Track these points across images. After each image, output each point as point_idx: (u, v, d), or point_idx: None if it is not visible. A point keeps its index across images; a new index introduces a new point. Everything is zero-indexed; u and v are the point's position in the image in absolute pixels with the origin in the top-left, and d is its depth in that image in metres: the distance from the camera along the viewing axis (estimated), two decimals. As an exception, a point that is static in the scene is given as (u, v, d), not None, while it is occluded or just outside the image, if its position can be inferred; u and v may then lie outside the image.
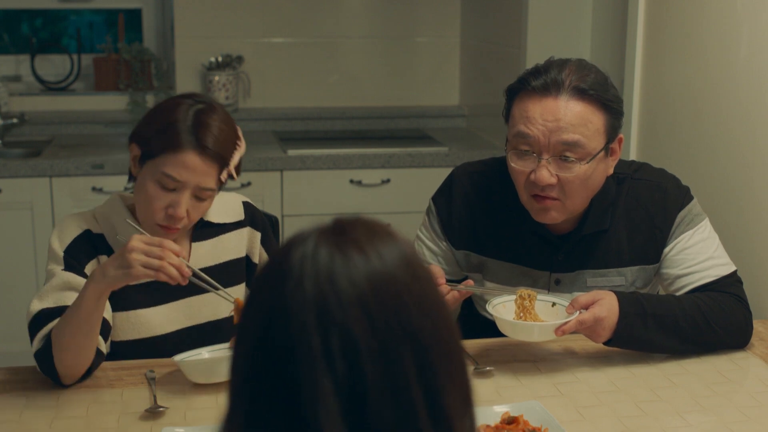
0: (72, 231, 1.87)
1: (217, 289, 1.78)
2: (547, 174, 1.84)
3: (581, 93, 1.82)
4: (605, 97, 1.84)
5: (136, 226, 1.77)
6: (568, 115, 1.81)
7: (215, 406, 1.72)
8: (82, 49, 4.32)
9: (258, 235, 2.04)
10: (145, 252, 1.62)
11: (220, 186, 1.85)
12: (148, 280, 1.68)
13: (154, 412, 1.67)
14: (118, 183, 3.57)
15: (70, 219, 1.91)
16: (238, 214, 2.03)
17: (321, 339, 0.78)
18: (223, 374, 1.77)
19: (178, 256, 1.64)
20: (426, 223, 2.10)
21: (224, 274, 1.97)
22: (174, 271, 1.63)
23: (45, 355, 1.73)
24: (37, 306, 1.78)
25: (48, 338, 1.73)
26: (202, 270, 1.86)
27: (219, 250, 1.98)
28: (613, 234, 1.97)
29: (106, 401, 1.73)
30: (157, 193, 1.80)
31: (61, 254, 1.84)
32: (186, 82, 4.20)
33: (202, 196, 1.82)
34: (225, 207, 2.01)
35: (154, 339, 1.90)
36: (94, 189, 3.57)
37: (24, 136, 4.05)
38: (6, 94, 4.06)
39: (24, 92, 4.21)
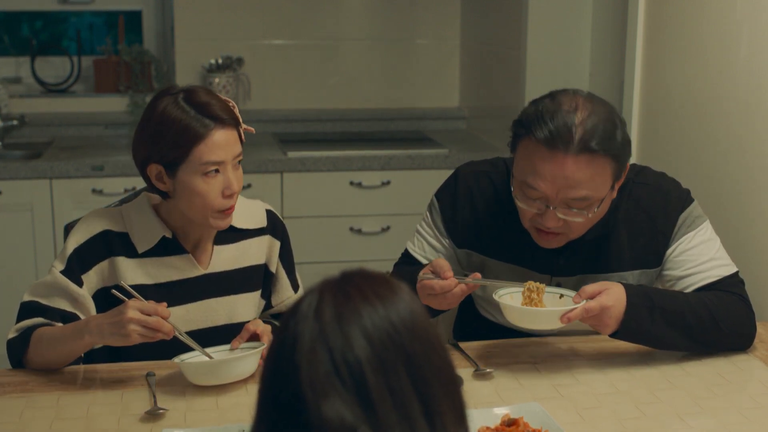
0: (90, 229, 1.91)
1: (204, 349, 1.84)
2: (554, 220, 1.85)
3: (590, 149, 1.78)
4: (613, 149, 1.81)
5: (130, 289, 1.80)
6: (577, 173, 1.79)
7: (215, 407, 1.72)
8: (82, 50, 4.32)
9: (277, 244, 2.06)
10: (142, 324, 1.69)
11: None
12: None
13: (154, 414, 1.67)
14: (118, 185, 3.57)
15: (93, 216, 1.95)
16: (261, 221, 2.05)
17: (329, 356, 0.89)
18: (223, 376, 1.77)
19: (166, 318, 1.73)
20: (428, 218, 2.10)
21: (243, 279, 2.00)
22: (165, 336, 1.72)
23: (15, 347, 1.83)
24: (26, 297, 1.89)
25: (24, 332, 1.83)
26: (223, 273, 1.97)
27: (240, 255, 2.00)
28: (614, 238, 1.97)
29: (106, 403, 1.73)
30: (208, 185, 1.84)
31: (68, 254, 1.88)
32: (186, 84, 4.20)
33: (237, 161, 1.88)
34: (249, 213, 2.03)
35: (171, 339, 1.91)
36: (94, 191, 3.57)
37: (24, 138, 4.05)
38: (6, 95, 4.06)
39: (24, 94, 4.21)
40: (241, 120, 1.89)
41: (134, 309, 1.70)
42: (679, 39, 2.67)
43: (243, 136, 1.89)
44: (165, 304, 1.74)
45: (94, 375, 1.85)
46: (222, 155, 1.83)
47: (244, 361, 1.78)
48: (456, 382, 0.96)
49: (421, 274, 1.88)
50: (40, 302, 1.87)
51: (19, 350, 1.83)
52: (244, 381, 1.80)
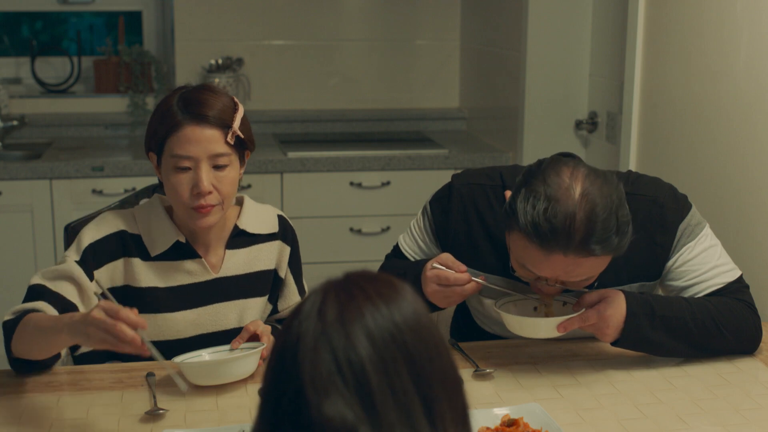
0: (107, 227, 1.91)
1: (167, 362, 1.68)
2: (553, 290, 1.84)
3: (590, 252, 1.69)
4: (612, 248, 1.71)
5: (109, 295, 1.71)
6: (576, 269, 1.73)
7: (215, 408, 1.72)
8: (83, 51, 4.32)
9: (288, 249, 2.06)
10: (101, 327, 1.52)
11: (239, 152, 1.87)
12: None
13: (154, 415, 1.67)
14: (118, 185, 3.57)
15: (109, 215, 1.94)
16: (273, 226, 2.04)
17: (331, 356, 0.89)
18: (223, 377, 1.77)
19: (136, 328, 1.52)
20: (420, 223, 2.08)
21: (253, 283, 2.00)
22: (128, 348, 1.53)
23: (8, 330, 1.76)
24: (35, 279, 1.84)
25: (20, 316, 1.75)
26: (234, 277, 1.95)
27: (251, 260, 2.00)
28: None
29: (106, 404, 1.73)
30: (178, 179, 1.83)
31: (84, 246, 1.87)
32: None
33: (219, 163, 1.84)
34: (260, 218, 2.03)
35: (179, 342, 1.91)
36: (94, 191, 3.57)
37: (24, 139, 4.05)
38: (6, 96, 4.06)
39: (24, 94, 4.21)
40: (234, 125, 1.85)
41: (99, 309, 1.54)
42: (679, 39, 2.67)
43: (230, 139, 1.84)
44: (136, 310, 1.56)
45: (94, 375, 1.85)
46: (192, 151, 1.82)
47: (244, 361, 1.78)
48: (459, 383, 0.96)
49: (429, 264, 1.87)
50: (46, 285, 1.83)
51: (10, 333, 1.77)
52: (244, 381, 1.80)
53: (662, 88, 2.78)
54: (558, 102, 3.61)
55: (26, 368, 1.81)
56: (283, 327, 0.96)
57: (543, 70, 3.59)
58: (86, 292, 1.86)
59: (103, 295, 1.77)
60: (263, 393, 0.95)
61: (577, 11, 3.55)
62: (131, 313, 1.53)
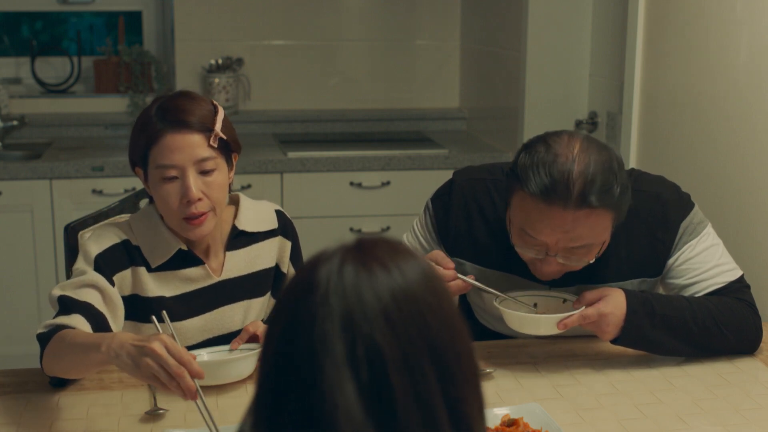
0: (110, 238, 1.87)
1: (214, 425, 1.54)
2: (554, 266, 1.83)
3: (589, 204, 1.73)
4: (612, 202, 1.75)
5: (167, 319, 1.66)
6: (576, 227, 1.75)
7: (215, 408, 1.72)
8: (83, 51, 4.32)
9: (288, 244, 2.04)
10: (160, 363, 1.45)
11: (225, 155, 1.83)
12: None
13: (154, 414, 1.67)
14: (118, 185, 3.57)
15: (108, 227, 1.90)
16: (272, 223, 2.02)
17: (346, 347, 0.82)
18: (222, 377, 1.77)
19: (195, 377, 1.46)
20: (422, 221, 2.09)
21: (255, 283, 1.99)
22: (177, 391, 1.47)
23: (42, 342, 1.70)
24: (57, 291, 1.78)
25: (51, 330, 1.69)
26: (236, 279, 1.93)
27: (252, 259, 1.98)
28: (613, 249, 1.91)
29: (107, 403, 1.73)
30: (166, 190, 1.80)
31: (93, 257, 1.83)
32: (186, 85, 4.20)
33: (205, 168, 1.80)
34: (259, 216, 2.00)
35: (189, 349, 1.90)
36: (94, 191, 3.57)
37: (24, 139, 4.05)
38: (6, 96, 4.06)
39: (24, 95, 4.21)
40: (216, 127, 1.81)
41: (161, 344, 1.46)
42: (679, 39, 2.67)
43: (213, 142, 1.80)
44: (195, 357, 1.51)
45: (94, 375, 1.85)
46: (176, 159, 1.78)
47: (243, 362, 1.78)
48: (477, 370, 0.91)
49: None
50: (72, 296, 1.77)
51: (42, 346, 1.71)
52: (244, 381, 1.80)
53: (662, 88, 2.78)
54: (558, 102, 3.61)
55: (59, 382, 1.78)
56: (287, 299, 0.88)
57: (543, 70, 3.59)
58: (111, 299, 1.81)
59: (160, 319, 1.65)
60: (259, 378, 0.88)
61: (577, 11, 3.55)
62: (194, 361, 1.47)
